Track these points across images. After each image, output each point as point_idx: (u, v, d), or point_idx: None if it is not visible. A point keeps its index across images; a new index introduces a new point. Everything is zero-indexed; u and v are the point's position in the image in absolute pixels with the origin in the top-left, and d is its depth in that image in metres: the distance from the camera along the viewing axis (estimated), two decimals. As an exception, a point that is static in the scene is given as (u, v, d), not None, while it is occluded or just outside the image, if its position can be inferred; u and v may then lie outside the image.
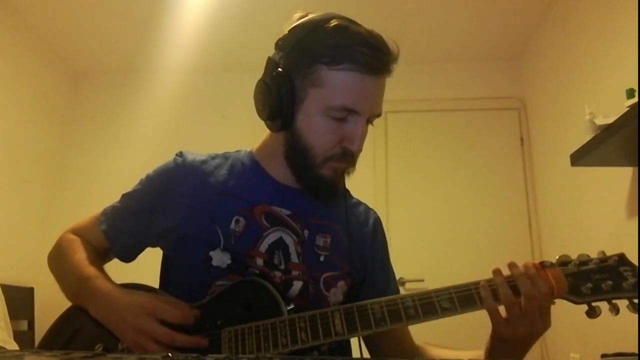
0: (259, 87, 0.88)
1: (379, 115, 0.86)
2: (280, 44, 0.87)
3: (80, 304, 0.85)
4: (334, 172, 0.87)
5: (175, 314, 0.77)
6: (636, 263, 0.75)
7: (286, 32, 0.86)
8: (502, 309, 0.75)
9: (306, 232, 0.90)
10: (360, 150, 0.86)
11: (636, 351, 1.45)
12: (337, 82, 0.81)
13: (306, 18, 0.86)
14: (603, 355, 1.42)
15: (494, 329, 0.77)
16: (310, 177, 0.87)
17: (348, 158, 0.86)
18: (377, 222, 1.03)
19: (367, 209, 1.04)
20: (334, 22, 0.83)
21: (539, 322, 0.74)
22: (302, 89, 0.83)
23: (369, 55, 0.80)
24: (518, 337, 0.75)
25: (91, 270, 0.85)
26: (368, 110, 0.83)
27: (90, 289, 0.82)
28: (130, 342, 0.76)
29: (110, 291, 0.81)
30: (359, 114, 0.83)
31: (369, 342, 0.94)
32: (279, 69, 0.85)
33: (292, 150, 0.87)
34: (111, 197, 0.99)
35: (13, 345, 2.26)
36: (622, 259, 0.76)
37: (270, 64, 0.87)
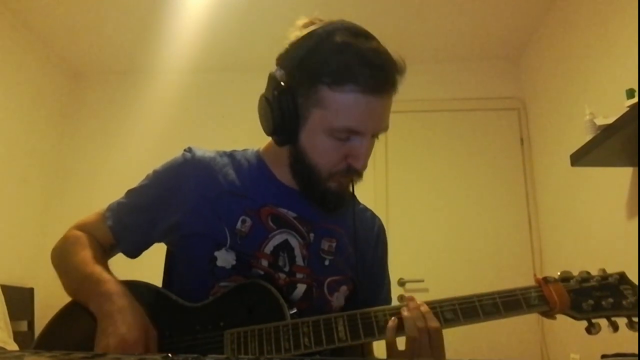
0: (261, 103, 0.86)
1: (385, 130, 0.85)
2: (282, 61, 0.84)
3: (81, 301, 0.84)
4: (340, 185, 0.87)
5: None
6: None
7: (287, 47, 0.84)
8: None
9: (312, 235, 0.90)
10: (365, 166, 0.85)
11: (636, 352, 1.45)
12: (340, 104, 0.78)
13: (308, 31, 0.82)
14: (603, 356, 1.42)
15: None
16: (317, 191, 0.86)
17: (353, 174, 0.86)
18: (381, 229, 1.04)
19: (373, 215, 1.05)
20: (336, 39, 0.79)
21: (436, 355, 0.75)
22: (305, 108, 0.81)
23: (372, 75, 0.77)
24: None
25: (96, 269, 0.84)
26: (372, 129, 0.82)
27: (93, 288, 0.82)
28: (103, 347, 0.72)
29: (112, 295, 0.79)
30: (363, 134, 0.81)
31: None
32: (281, 87, 0.82)
33: (298, 165, 0.86)
34: (111, 197, 0.98)
35: (13, 346, 2.26)
36: (622, 277, 0.78)
37: (272, 80, 0.84)
